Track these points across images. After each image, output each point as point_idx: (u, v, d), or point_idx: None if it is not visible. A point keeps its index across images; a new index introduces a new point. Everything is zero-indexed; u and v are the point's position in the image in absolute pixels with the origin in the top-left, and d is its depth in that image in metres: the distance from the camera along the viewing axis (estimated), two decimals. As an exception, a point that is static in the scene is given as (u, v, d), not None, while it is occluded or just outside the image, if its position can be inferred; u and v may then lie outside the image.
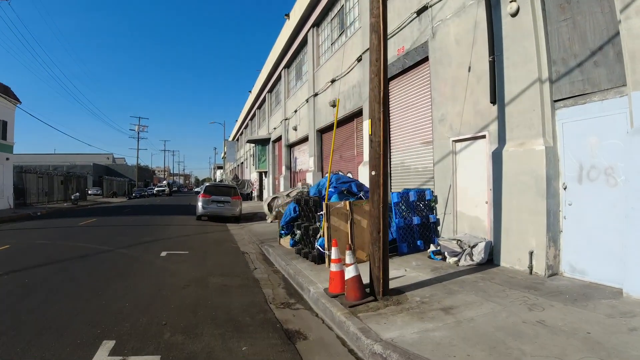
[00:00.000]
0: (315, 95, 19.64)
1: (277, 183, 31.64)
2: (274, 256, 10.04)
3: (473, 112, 8.67)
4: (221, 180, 54.43)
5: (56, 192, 39.93)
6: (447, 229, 9.67)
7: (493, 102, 7.96)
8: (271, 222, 18.39)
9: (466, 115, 8.89)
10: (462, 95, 8.98)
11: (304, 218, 10.16)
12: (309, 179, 19.84)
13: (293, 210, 10.64)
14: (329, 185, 10.44)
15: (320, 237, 8.83)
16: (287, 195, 18.30)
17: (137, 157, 71.84)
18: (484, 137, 8.51)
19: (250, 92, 42.05)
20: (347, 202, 8.64)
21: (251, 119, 47.27)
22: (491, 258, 7.87)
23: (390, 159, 13.54)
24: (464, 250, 8.09)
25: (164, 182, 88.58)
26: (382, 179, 5.93)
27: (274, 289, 7.38)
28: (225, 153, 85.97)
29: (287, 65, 26.57)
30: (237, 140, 64.25)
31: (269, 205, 18.54)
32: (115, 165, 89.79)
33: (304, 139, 22.43)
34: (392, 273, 6.61)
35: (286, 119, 26.23)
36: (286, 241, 11.00)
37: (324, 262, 8.48)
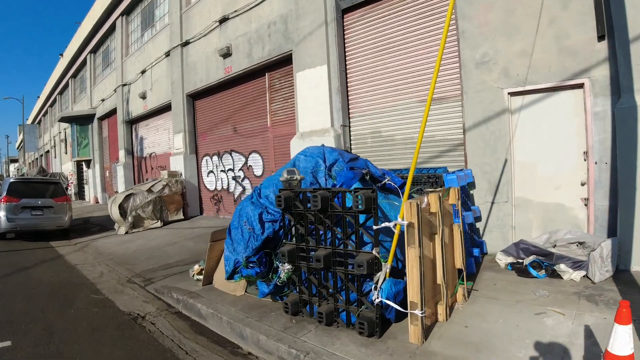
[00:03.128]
0: (186, 44, 13.34)
1: (108, 175, 23.63)
2: (252, 333, 4.32)
3: (555, 50, 5.82)
4: (22, 175, 40.89)
5: None
6: (497, 226, 6.45)
7: (602, 35, 5.40)
8: (127, 232, 11.79)
9: (540, 54, 5.96)
10: (530, 26, 6.04)
11: (307, 236, 4.50)
12: (177, 165, 13.54)
13: (259, 218, 5.01)
14: (327, 165, 5.19)
15: (384, 277, 3.61)
16: (149, 191, 11.93)
17: None
18: (579, 86, 5.69)
19: (61, 55, 31.88)
20: (435, 196, 3.61)
21: (61, 93, 36.56)
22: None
23: (349, 126, 8.73)
24: (588, 258, 4.87)
25: None
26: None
27: None
28: (22, 141, 68.90)
29: (130, 10, 19.11)
30: (40, 123, 50.90)
31: (120, 207, 11.81)
32: None
33: (162, 109, 15.79)
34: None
35: (125, 85, 18.86)
36: (239, 285, 5.34)
37: (381, 330, 3.76)
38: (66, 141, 32.96)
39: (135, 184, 19.01)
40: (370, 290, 3.80)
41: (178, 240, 10.04)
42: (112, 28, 21.09)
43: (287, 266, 4.54)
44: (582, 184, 5.70)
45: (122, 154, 19.37)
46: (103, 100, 22.40)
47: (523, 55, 6.05)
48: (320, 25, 8.70)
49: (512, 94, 6.19)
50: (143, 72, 16.75)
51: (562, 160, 5.83)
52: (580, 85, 5.62)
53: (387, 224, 3.71)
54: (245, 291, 5.36)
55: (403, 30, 7.75)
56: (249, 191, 11.47)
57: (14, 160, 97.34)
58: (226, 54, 11.33)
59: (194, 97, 13.59)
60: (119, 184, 19.77)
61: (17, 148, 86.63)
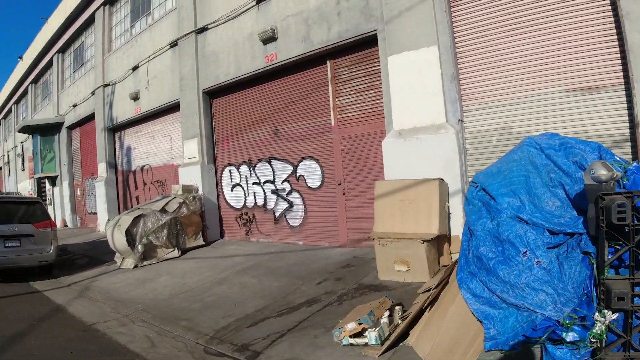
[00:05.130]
0: (203, 30, 10.87)
1: (80, 193, 20.37)
2: None
3: None
4: None
5: None
6: None
7: None
8: (136, 266, 9.14)
9: None
10: None
11: None
12: (190, 178, 10.90)
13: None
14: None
15: None
16: (163, 211, 9.37)
17: None
18: None
19: (21, 58, 28.17)
20: None
21: (17, 102, 32.55)
22: None
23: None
24: None
25: None
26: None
27: None
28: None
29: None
30: (-14, 137, 45.88)
31: (128, 233, 9.11)
32: None
33: (162, 112, 13.09)
34: None
35: (107, 85, 15.95)
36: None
37: None
38: (23, 156, 29.06)
39: (120, 202, 16.03)
40: None
41: (224, 275, 7.50)
42: (90, 21, 18.13)
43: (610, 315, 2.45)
44: None
45: (102, 167, 16.32)
46: (75, 105, 19.23)
47: None
48: (423, -2, 6.69)
49: None
50: (135, 68, 14.01)
51: None
52: None
53: None
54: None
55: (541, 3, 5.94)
56: (298, 207, 9.10)
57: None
58: (269, 39, 8.99)
59: (212, 94, 11.07)
60: (98, 203, 16.67)
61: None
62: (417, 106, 6.78)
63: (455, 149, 6.41)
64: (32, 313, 6.47)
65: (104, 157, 16.12)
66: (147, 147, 14.15)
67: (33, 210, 9.56)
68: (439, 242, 6.15)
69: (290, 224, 9.34)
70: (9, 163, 35.21)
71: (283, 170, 9.38)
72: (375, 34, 7.42)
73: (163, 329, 5.38)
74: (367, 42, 7.74)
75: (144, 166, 14.43)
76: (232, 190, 10.71)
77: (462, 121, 6.63)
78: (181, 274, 8.06)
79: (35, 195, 25.19)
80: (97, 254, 11.67)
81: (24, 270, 9.52)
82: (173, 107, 12.37)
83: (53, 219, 22.58)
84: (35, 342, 5.10)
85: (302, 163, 8.99)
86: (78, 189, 20.46)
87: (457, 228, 6.29)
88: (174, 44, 11.99)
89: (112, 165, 16.14)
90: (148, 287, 7.51)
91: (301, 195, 9.04)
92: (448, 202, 6.34)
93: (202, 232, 10.43)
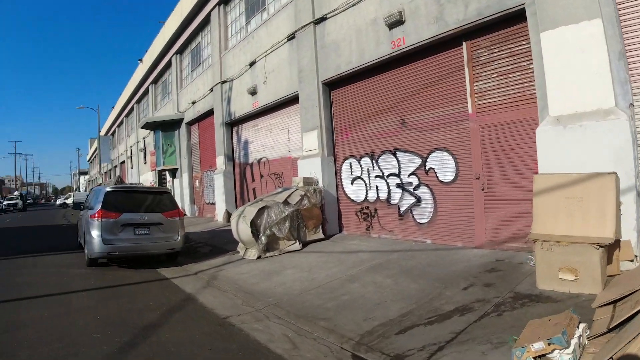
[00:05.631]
0: (321, 20, 10.67)
1: (198, 185, 21.54)
2: None
3: None
4: (98, 185, 38.97)
5: None
6: None
7: None
8: (259, 257, 9.17)
9: None
10: None
11: None
12: (310, 170, 10.79)
13: None
14: None
15: None
16: (286, 203, 9.26)
17: (-31, 159, 53.63)
18: None
19: (141, 60, 30.67)
20: None
21: (139, 101, 35.57)
22: None
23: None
24: None
25: (15, 193, 69.07)
26: None
27: None
28: (94, 153, 70.19)
29: None
30: (114, 134, 50.91)
31: (253, 224, 9.19)
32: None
33: (279, 105, 13.22)
34: None
35: (225, 82, 16.57)
36: None
37: None
38: (145, 150, 31.64)
39: (236, 194, 16.58)
40: None
41: (354, 272, 7.18)
42: (205, 22, 19.02)
43: None
44: None
45: (220, 160, 17.03)
46: (194, 102, 20.34)
47: None
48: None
49: None
50: (252, 63, 14.31)
51: None
52: None
53: None
54: None
55: None
56: (427, 203, 8.51)
57: (84, 173, 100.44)
58: (396, 22, 8.48)
59: (332, 85, 10.84)
60: (216, 195, 17.45)
61: (89, 160, 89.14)
62: (579, 89, 5.85)
63: (629, 138, 5.40)
64: (163, 302, 6.65)
65: (222, 151, 16.79)
66: (264, 140, 14.40)
67: (162, 199, 10.03)
68: (609, 248, 5.23)
69: (417, 221, 8.78)
70: (131, 157, 38.60)
71: (410, 162, 8.83)
72: (523, 9, 6.56)
73: (301, 328, 5.15)
74: (512, 19, 6.90)
75: (260, 159, 14.72)
76: (352, 184, 10.41)
77: (633, 105, 5.60)
78: (307, 268, 7.90)
79: (157, 186, 27.30)
80: (219, 243, 12.08)
81: (152, 258, 10.06)
82: (291, 100, 12.39)
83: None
84: (170, 335, 5.09)
85: (432, 155, 8.37)
86: (197, 181, 21.66)
87: (628, 232, 5.32)
88: (291, 37, 11.96)
89: (230, 158, 16.75)
90: (276, 280, 7.44)
91: (430, 190, 8.44)
92: (621, 201, 5.38)
93: (322, 225, 10.28)
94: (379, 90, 9.53)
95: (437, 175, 8.29)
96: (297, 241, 9.63)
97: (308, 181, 10.35)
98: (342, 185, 10.73)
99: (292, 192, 9.78)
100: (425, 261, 7.30)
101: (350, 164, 10.42)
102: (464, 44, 7.74)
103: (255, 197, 14.94)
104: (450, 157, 8.02)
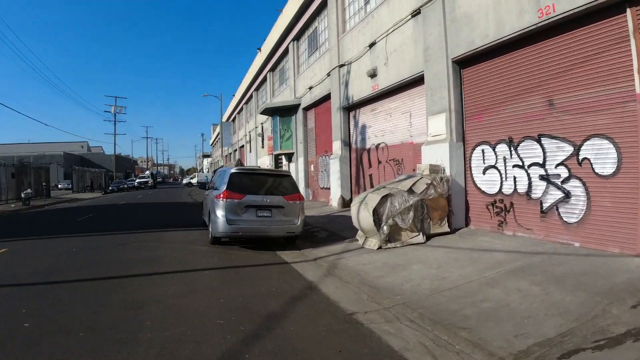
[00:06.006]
0: (452, -11, 9.70)
1: (313, 169, 21.65)
2: None
3: None
4: (221, 167, 41.12)
5: (5, 188, 29.30)
6: None
7: None
8: (379, 247, 8.66)
9: None
10: None
11: None
12: (435, 157, 9.95)
13: None
14: None
15: None
16: (410, 191, 8.56)
17: (115, 143, 60.84)
18: None
19: (259, 49, 31.67)
20: None
21: (257, 89, 36.99)
22: None
23: None
24: None
25: (147, 172, 77.67)
26: None
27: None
28: (216, 138, 75.42)
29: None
30: (234, 120, 53.88)
31: (375, 212, 8.69)
32: (90, 155, 79.91)
33: (401, 87, 12.49)
34: None
35: (342, 65, 16.19)
36: None
37: None
38: (263, 135, 32.83)
39: (352, 179, 16.23)
40: None
41: (491, 275, 6.31)
42: (322, 6, 18.79)
43: None
44: None
45: (337, 145, 16.78)
46: (310, 88, 20.35)
47: None
48: None
49: None
50: (372, 45, 13.68)
51: None
52: None
53: None
54: None
55: None
56: (578, 199, 7.26)
57: (207, 156, 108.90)
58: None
59: (463, 63, 9.82)
60: (331, 180, 17.29)
61: (211, 144, 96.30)
62: None
63: None
64: (285, 289, 6.42)
65: (339, 136, 16.51)
66: (383, 125, 13.76)
67: (284, 182, 9.97)
68: None
69: (564, 219, 7.53)
70: (250, 141, 40.43)
71: (558, 150, 7.59)
72: None
73: (439, 337, 4.50)
74: None
75: (379, 144, 14.13)
76: (483, 173, 9.37)
77: None
78: (436, 265, 7.19)
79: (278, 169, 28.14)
80: (335, 228, 11.81)
81: (271, 240, 10.09)
82: (415, 82, 11.58)
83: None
84: (295, 328, 4.77)
85: (587, 142, 7.06)
86: (311, 165, 21.79)
87: None
88: (416, 13, 11.10)
89: (347, 143, 16.42)
90: (402, 276, 6.85)
91: (583, 184, 7.15)
92: None
93: (448, 217, 9.43)
94: (520, 67, 8.33)
95: (593, 166, 6.98)
96: (421, 233, 8.93)
97: (434, 169, 9.54)
98: (471, 174, 9.74)
99: (417, 180, 9.06)
100: (578, 269, 6.18)
101: (483, 150, 9.38)
102: (627, 10, 6.32)
103: (371, 184, 14.44)
104: (611, 146, 6.67)
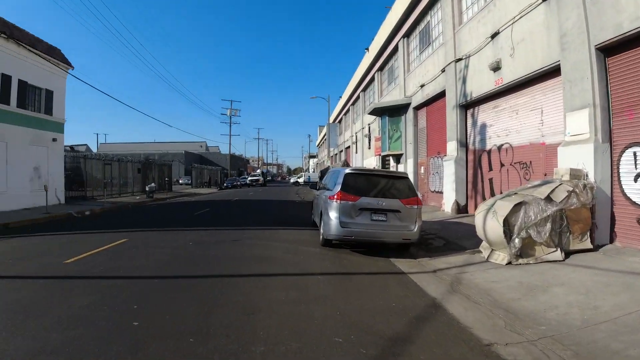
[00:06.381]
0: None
1: (423, 172, 20.64)
2: None
3: None
4: (328, 168, 41.50)
5: (131, 182, 32.73)
6: None
7: None
8: (509, 263, 7.65)
9: None
10: None
11: None
12: (575, 160, 8.61)
13: None
14: None
15: None
16: (548, 200, 7.40)
17: (230, 144, 64.51)
18: None
19: (367, 49, 31.23)
20: None
21: (364, 89, 36.59)
22: None
23: None
24: None
25: (258, 170, 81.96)
26: None
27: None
28: (322, 139, 76.85)
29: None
30: (340, 121, 54.18)
31: (505, 222, 7.69)
32: (208, 154, 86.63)
33: (529, 81, 11.15)
34: None
35: (459, 60, 15.05)
36: None
37: None
38: (370, 136, 32.36)
39: (468, 183, 15.03)
40: None
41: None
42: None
43: None
44: None
45: (452, 146, 15.65)
46: (422, 85, 19.36)
47: None
48: None
49: None
50: (494, 35, 12.45)
51: None
52: None
53: None
54: None
55: None
56: None
57: (313, 156, 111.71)
58: None
59: (609, 51, 8.35)
60: (444, 183, 16.21)
61: (317, 145, 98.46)
62: None
63: None
64: (406, 304, 5.77)
65: (454, 136, 15.39)
66: (507, 124, 12.44)
67: (400, 185, 9.33)
68: None
69: None
70: (356, 142, 40.26)
71: None
72: None
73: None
74: None
75: (501, 145, 12.82)
76: (635, 181, 7.85)
77: None
78: (583, 290, 6.05)
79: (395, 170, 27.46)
80: (451, 237, 10.88)
81: (385, 246, 9.48)
82: (547, 74, 10.23)
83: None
84: (425, 356, 4.12)
85: None
86: (421, 167, 20.79)
87: None
88: (551, -4, 9.76)
89: (463, 144, 15.25)
90: (543, 301, 5.84)
91: None
92: None
93: (590, 232, 8.07)
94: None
95: None
96: (559, 249, 7.71)
97: (576, 174, 8.23)
98: (619, 181, 8.23)
99: (555, 187, 7.85)
100: None
101: (634, 153, 7.86)
102: None
103: (492, 189, 13.18)
104: None
